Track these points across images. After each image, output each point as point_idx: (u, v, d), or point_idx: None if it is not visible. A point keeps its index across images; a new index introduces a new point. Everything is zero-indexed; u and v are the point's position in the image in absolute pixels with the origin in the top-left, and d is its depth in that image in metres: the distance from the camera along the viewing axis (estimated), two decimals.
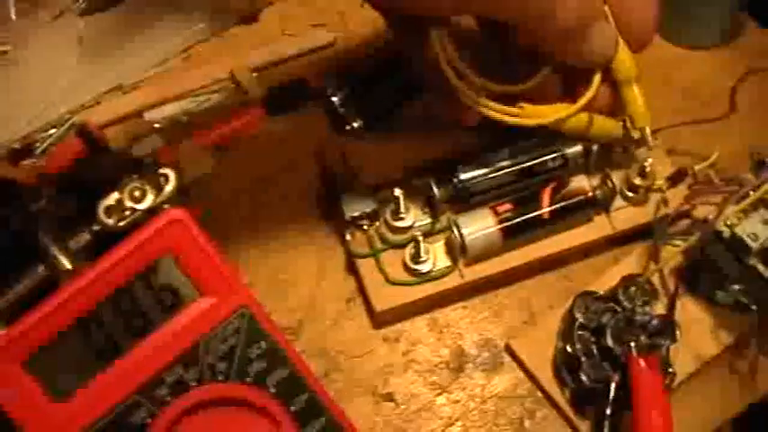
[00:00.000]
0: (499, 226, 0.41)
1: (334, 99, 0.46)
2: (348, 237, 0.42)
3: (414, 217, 0.42)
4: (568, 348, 0.39)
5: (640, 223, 0.44)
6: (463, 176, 0.41)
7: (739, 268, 0.39)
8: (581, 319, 0.40)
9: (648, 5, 0.39)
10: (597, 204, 0.43)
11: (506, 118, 0.39)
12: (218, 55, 0.50)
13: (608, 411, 0.38)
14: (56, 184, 0.40)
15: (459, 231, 0.41)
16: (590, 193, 0.42)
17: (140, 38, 0.50)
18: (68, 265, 0.36)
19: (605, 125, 0.41)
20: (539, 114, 0.39)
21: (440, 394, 0.41)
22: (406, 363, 0.41)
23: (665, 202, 0.43)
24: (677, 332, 0.39)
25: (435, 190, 0.41)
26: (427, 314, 0.43)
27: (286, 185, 0.45)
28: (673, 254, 0.41)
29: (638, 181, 0.43)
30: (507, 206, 0.41)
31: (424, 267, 0.41)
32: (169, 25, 0.50)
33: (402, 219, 0.41)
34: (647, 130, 0.40)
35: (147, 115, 0.47)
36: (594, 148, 0.43)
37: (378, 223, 0.42)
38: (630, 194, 0.43)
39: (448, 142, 0.44)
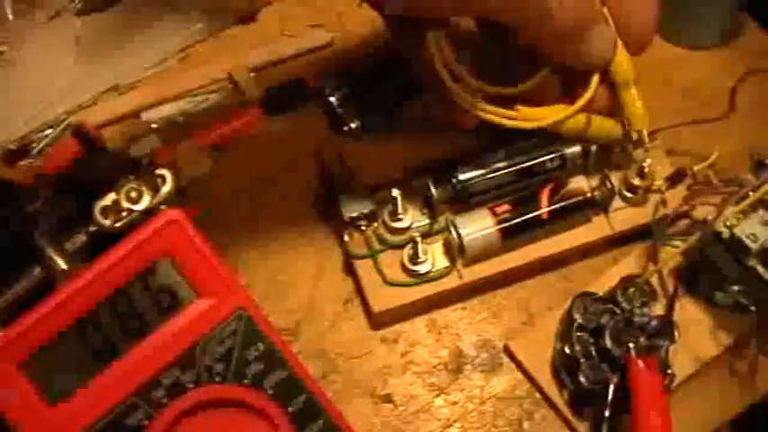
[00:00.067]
0: (498, 227, 0.41)
1: (332, 99, 0.46)
2: (346, 237, 0.41)
3: (412, 218, 0.42)
4: (567, 349, 0.39)
5: (639, 224, 0.43)
6: (461, 177, 0.41)
7: (738, 269, 0.39)
8: (580, 320, 0.40)
9: (648, 8, 0.39)
10: (596, 205, 0.43)
11: (503, 121, 0.39)
12: (216, 55, 0.50)
13: (607, 413, 0.38)
14: (53, 185, 0.40)
15: (457, 232, 0.41)
16: (589, 194, 0.42)
17: (138, 38, 0.49)
18: (64, 266, 0.36)
19: (604, 126, 0.41)
20: (535, 116, 0.39)
21: (438, 395, 0.41)
22: (404, 364, 0.41)
23: (664, 202, 0.43)
24: (676, 333, 0.39)
25: (433, 190, 0.41)
26: (426, 315, 0.42)
27: (285, 186, 0.45)
28: (672, 255, 0.41)
29: (636, 181, 0.43)
30: (506, 207, 0.41)
31: (422, 268, 0.41)
32: (167, 25, 0.50)
33: (400, 219, 0.41)
34: (645, 133, 0.40)
35: (145, 115, 0.47)
36: (593, 148, 0.42)
37: (376, 224, 0.42)
38: (629, 195, 0.43)
39: (446, 143, 0.44)
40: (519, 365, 0.41)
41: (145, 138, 0.42)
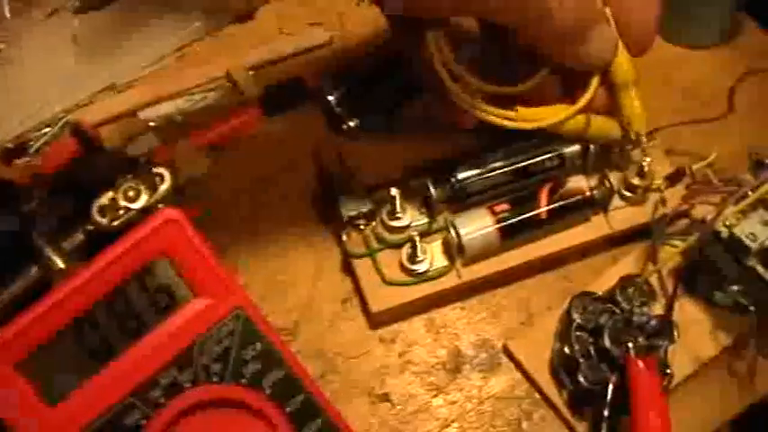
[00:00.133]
0: (496, 226, 0.41)
1: (331, 98, 0.45)
2: (345, 237, 0.41)
3: (411, 217, 0.42)
4: (566, 349, 0.39)
5: (638, 223, 0.43)
6: (460, 176, 0.41)
7: (738, 269, 0.39)
8: (579, 320, 0.39)
9: (649, 9, 0.38)
10: (595, 204, 0.42)
11: (502, 121, 0.39)
12: (214, 54, 0.49)
13: (606, 413, 0.38)
14: (50, 185, 0.39)
15: (456, 231, 0.40)
16: (588, 193, 0.42)
17: (135, 36, 0.49)
18: (62, 265, 0.36)
19: (603, 127, 0.41)
20: (535, 117, 0.39)
21: (436, 395, 0.41)
22: (402, 364, 0.41)
23: (663, 201, 0.43)
24: (676, 333, 0.39)
25: (432, 190, 0.41)
26: (424, 314, 0.42)
27: (284, 186, 0.45)
28: (671, 255, 0.41)
29: (636, 181, 0.43)
30: (504, 206, 0.41)
31: (420, 267, 0.41)
32: (164, 23, 0.50)
33: (399, 218, 0.41)
34: (642, 136, 0.40)
35: (142, 114, 0.46)
36: (592, 147, 0.42)
37: (374, 223, 0.42)
38: (628, 194, 0.43)
39: (446, 143, 0.44)
40: (518, 365, 0.41)
41: (142, 137, 0.42)
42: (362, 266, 0.41)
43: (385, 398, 0.40)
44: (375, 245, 0.41)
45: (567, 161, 0.42)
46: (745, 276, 0.39)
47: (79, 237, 0.37)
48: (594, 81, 0.39)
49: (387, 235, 0.41)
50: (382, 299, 0.41)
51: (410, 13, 0.36)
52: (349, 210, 0.41)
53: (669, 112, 0.46)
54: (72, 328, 0.32)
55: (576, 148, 0.42)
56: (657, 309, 0.40)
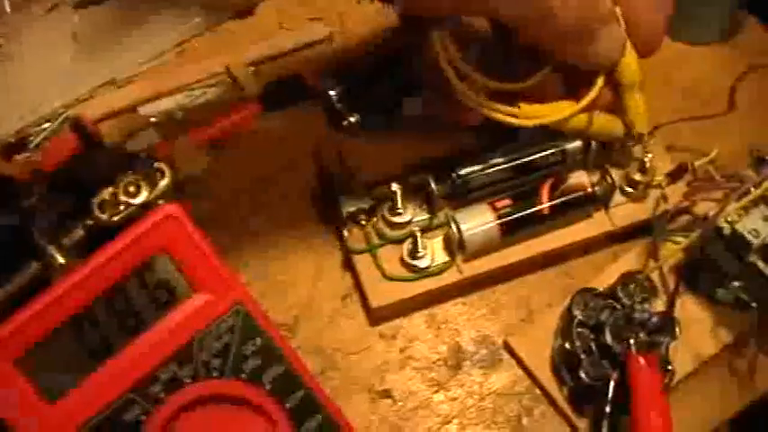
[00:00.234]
0: (498, 221, 0.41)
1: (332, 93, 0.45)
2: (345, 233, 0.41)
3: (411, 212, 0.41)
4: (567, 346, 0.39)
5: (640, 220, 0.43)
6: (461, 171, 0.41)
7: (739, 265, 0.39)
8: (580, 317, 0.39)
9: (659, 11, 0.38)
10: (596, 200, 0.42)
11: (505, 118, 0.38)
12: (214, 49, 0.49)
13: (607, 409, 0.38)
14: (50, 180, 0.39)
15: (457, 227, 0.40)
16: (589, 189, 0.42)
17: (135, 31, 0.49)
18: (61, 261, 0.36)
19: (606, 125, 0.41)
20: (537, 114, 0.39)
21: (437, 391, 0.41)
22: (403, 360, 0.41)
23: (664, 198, 0.43)
24: (677, 330, 0.39)
25: (433, 185, 0.41)
26: (425, 310, 0.42)
27: (284, 184, 0.45)
28: (673, 251, 0.41)
29: (637, 177, 0.43)
30: (506, 202, 0.41)
31: (421, 263, 0.41)
32: (164, 19, 0.50)
33: (400, 214, 0.41)
34: (645, 137, 0.41)
35: (142, 110, 0.46)
36: (593, 144, 0.42)
37: (375, 219, 0.41)
38: (630, 190, 0.43)
39: (446, 141, 0.43)
40: (519, 361, 0.41)
41: (142, 132, 0.42)
42: (363, 262, 0.41)
43: (385, 394, 0.40)
44: (376, 240, 0.41)
45: (568, 157, 0.42)
46: (747, 273, 0.39)
47: (79, 232, 0.37)
48: (599, 80, 0.39)
49: (388, 231, 0.41)
50: (383, 294, 0.40)
51: (410, 12, 0.36)
52: (349, 206, 0.41)
53: (669, 109, 0.46)
54: (71, 325, 0.32)
55: (577, 143, 0.42)
56: (659, 305, 0.40)
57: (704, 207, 0.41)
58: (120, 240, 0.33)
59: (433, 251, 0.41)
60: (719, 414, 0.41)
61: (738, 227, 0.38)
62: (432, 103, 0.44)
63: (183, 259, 0.34)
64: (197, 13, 0.50)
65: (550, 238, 0.42)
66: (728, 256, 0.39)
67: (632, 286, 0.40)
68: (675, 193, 0.43)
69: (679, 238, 0.42)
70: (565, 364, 0.39)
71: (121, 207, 0.37)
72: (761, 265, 0.38)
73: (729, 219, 0.38)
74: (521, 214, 0.41)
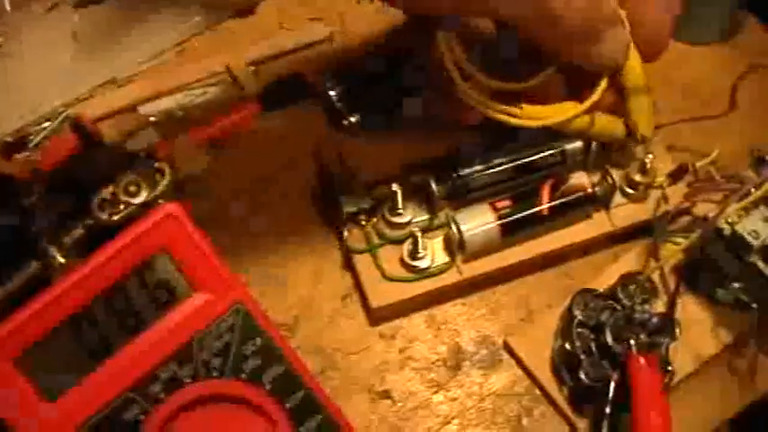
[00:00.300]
0: (498, 222, 0.41)
1: (332, 93, 0.45)
2: (345, 232, 0.41)
3: (412, 213, 0.41)
4: (567, 346, 0.39)
5: (640, 220, 0.43)
6: (462, 172, 0.41)
7: (740, 266, 0.39)
8: (580, 317, 0.39)
9: (665, 14, 0.38)
10: (597, 201, 0.42)
11: (507, 118, 0.38)
12: (214, 49, 0.49)
13: (607, 410, 0.37)
14: (50, 180, 0.39)
15: (457, 227, 0.40)
16: (589, 190, 0.42)
17: (135, 31, 0.49)
18: (61, 260, 0.36)
19: (608, 126, 0.41)
20: (539, 115, 0.39)
21: (437, 392, 0.41)
22: (402, 360, 0.41)
23: (665, 199, 0.43)
24: (677, 330, 0.39)
25: (434, 185, 0.41)
26: (425, 311, 0.42)
27: (284, 184, 0.45)
28: (673, 252, 0.41)
29: (638, 178, 0.43)
30: (506, 202, 0.41)
31: (421, 263, 0.41)
32: (164, 18, 0.50)
33: (400, 214, 0.41)
34: (649, 139, 0.41)
35: (142, 109, 0.46)
36: (594, 144, 0.42)
37: (375, 219, 0.41)
38: (630, 191, 0.43)
39: (446, 141, 0.43)
40: (518, 362, 0.41)
41: (142, 132, 0.42)
42: (363, 262, 0.41)
43: (385, 394, 0.40)
44: (376, 240, 0.41)
45: (568, 158, 0.42)
46: (747, 274, 0.39)
47: (79, 232, 0.37)
48: (603, 83, 0.38)
49: (388, 231, 0.41)
50: (382, 295, 0.40)
51: (410, 12, 0.36)
52: (349, 206, 0.41)
53: (670, 110, 0.46)
54: (71, 324, 0.32)
55: (577, 144, 0.42)
56: (659, 306, 0.40)
57: (704, 208, 0.41)
58: (120, 240, 0.33)
59: (433, 252, 0.41)
60: (720, 414, 0.41)
61: (738, 228, 0.38)
62: (432, 103, 0.44)
63: (183, 259, 0.34)
64: (197, 12, 0.50)
65: (551, 239, 0.42)
66: (729, 257, 0.39)
67: (632, 287, 0.40)
68: (676, 193, 0.43)
69: (679, 239, 0.42)
70: (565, 364, 0.39)
71: (121, 206, 0.37)
72: (761, 265, 0.38)
73: (730, 220, 0.38)
74: (521, 215, 0.41)
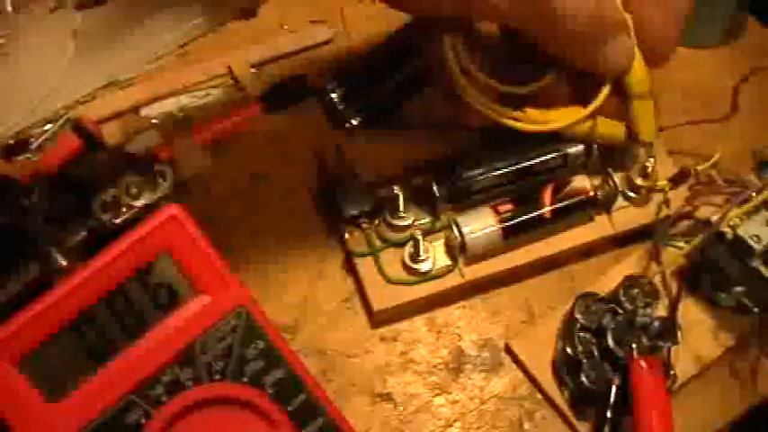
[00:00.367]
0: (500, 225, 0.41)
1: (334, 95, 0.45)
2: (347, 235, 0.41)
3: (413, 215, 0.41)
4: (569, 349, 0.39)
5: (642, 224, 0.43)
6: (464, 174, 0.41)
7: (741, 270, 0.39)
8: (582, 320, 0.39)
9: (670, 21, 0.38)
10: (598, 204, 0.42)
11: (509, 122, 0.38)
12: (216, 50, 0.49)
13: (608, 413, 0.37)
14: (51, 182, 0.39)
15: (459, 230, 0.40)
16: (591, 193, 0.42)
17: (137, 32, 0.49)
18: (63, 263, 0.35)
19: (609, 131, 0.41)
20: (543, 119, 0.39)
21: (438, 395, 0.41)
22: (404, 363, 0.41)
23: (666, 202, 0.43)
24: (679, 334, 0.39)
25: (435, 188, 0.41)
26: (426, 314, 0.42)
27: (284, 184, 0.45)
28: (675, 256, 0.41)
29: (639, 181, 0.43)
30: (508, 206, 0.41)
31: (423, 266, 0.41)
32: (166, 19, 0.49)
33: (402, 217, 0.41)
34: (651, 145, 0.41)
35: (144, 111, 0.46)
36: (595, 147, 0.42)
37: (377, 222, 0.41)
38: (632, 195, 0.43)
39: (448, 142, 0.43)
40: (520, 365, 0.41)
41: (144, 133, 0.41)
42: (364, 265, 0.41)
43: (386, 397, 0.40)
44: (377, 243, 0.41)
45: (570, 161, 0.42)
46: (749, 277, 0.39)
47: (81, 234, 0.37)
48: (606, 88, 0.38)
49: (389, 233, 0.41)
50: (384, 298, 0.40)
51: (411, 13, 0.36)
52: (350, 208, 0.41)
53: (671, 113, 0.46)
54: (73, 326, 0.32)
55: (579, 147, 0.42)
56: (661, 309, 0.40)
57: (706, 211, 0.41)
58: (122, 242, 0.33)
59: (435, 255, 0.41)
60: (721, 417, 0.41)
61: (740, 231, 0.38)
62: (434, 105, 0.44)
63: (185, 261, 0.34)
64: (199, 13, 0.50)
65: (552, 242, 0.42)
66: (731, 261, 0.39)
67: (634, 290, 0.40)
68: (677, 197, 0.43)
69: (681, 243, 0.42)
70: (566, 367, 0.39)
71: (123, 209, 0.37)
72: (763, 269, 0.38)
73: (731, 224, 0.38)
74: (523, 218, 0.41)
